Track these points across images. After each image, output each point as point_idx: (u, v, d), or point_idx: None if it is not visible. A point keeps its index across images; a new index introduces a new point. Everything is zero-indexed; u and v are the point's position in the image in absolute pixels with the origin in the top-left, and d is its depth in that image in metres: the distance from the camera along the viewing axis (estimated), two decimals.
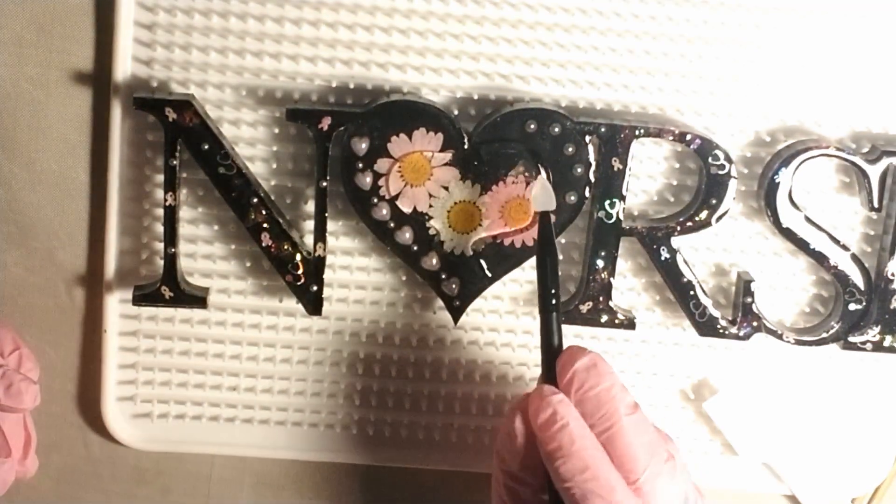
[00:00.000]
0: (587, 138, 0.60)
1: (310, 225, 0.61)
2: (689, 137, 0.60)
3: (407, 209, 0.60)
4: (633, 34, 0.60)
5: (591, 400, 0.53)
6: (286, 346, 0.65)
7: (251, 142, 0.61)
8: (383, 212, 0.60)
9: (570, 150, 0.59)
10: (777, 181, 0.60)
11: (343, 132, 0.59)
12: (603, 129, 0.59)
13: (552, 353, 0.56)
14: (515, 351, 0.65)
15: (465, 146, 0.59)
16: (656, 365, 0.66)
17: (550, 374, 0.56)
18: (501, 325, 0.65)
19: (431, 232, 0.61)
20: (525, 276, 0.64)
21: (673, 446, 0.56)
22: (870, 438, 0.67)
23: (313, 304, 0.61)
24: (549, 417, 0.53)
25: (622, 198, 0.60)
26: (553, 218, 0.57)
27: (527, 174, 0.59)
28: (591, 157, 0.60)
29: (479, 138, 0.59)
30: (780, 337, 0.63)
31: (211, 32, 0.60)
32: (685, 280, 0.62)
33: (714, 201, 0.60)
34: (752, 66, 0.61)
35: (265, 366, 0.65)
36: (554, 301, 0.56)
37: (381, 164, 0.59)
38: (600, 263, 0.61)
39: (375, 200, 0.60)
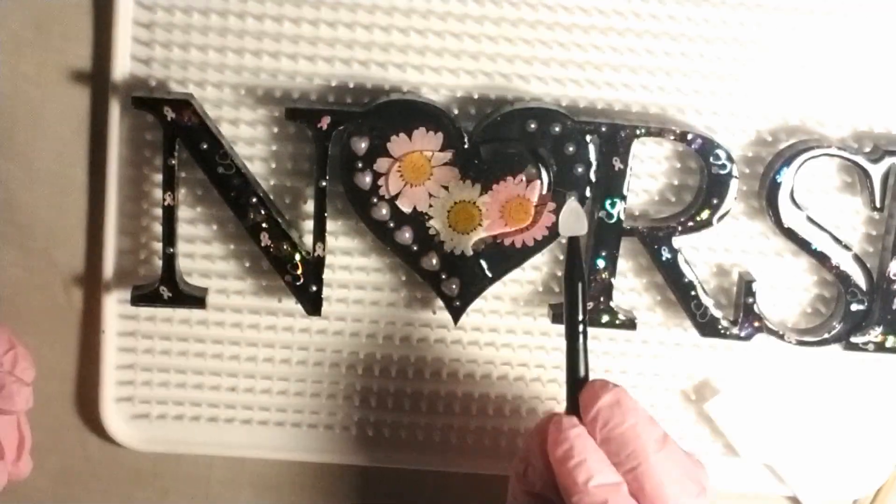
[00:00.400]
0: (588, 138, 0.59)
1: (309, 225, 0.61)
2: (690, 137, 0.60)
3: (407, 209, 0.60)
4: (635, 33, 0.60)
5: (616, 439, 0.52)
6: (285, 346, 0.65)
7: (250, 141, 0.61)
8: (383, 211, 0.60)
9: (571, 149, 0.59)
10: (779, 181, 0.60)
11: (342, 131, 0.59)
12: (604, 129, 0.59)
13: (577, 382, 0.55)
14: (516, 351, 0.65)
15: (466, 146, 0.59)
16: (657, 366, 0.65)
17: (573, 403, 0.55)
18: (502, 325, 0.65)
19: (431, 232, 0.60)
20: (525, 276, 0.63)
21: (704, 474, 0.55)
22: (872, 440, 0.66)
23: (312, 305, 0.61)
24: (566, 452, 0.52)
25: (623, 197, 0.60)
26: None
27: (532, 172, 0.59)
28: (592, 157, 0.60)
29: (480, 138, 0.59)
30: (781, 337, 0.62)
31: (210, 31, 0.60)
32: (686, 280, 0.61)
33: (715, 201, 0.60)
34: (753, 65, 0.61)
35: (264, 366, 0.65)
36: (581, 328, 0.55)
37: (381, 164, 0.59)
38: (601, 263, 0.61)
39: (375, 200, 0.60)
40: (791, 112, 0.61)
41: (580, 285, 0.56)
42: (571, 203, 0.57)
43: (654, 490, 0.51)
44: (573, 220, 0.57)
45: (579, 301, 0.55)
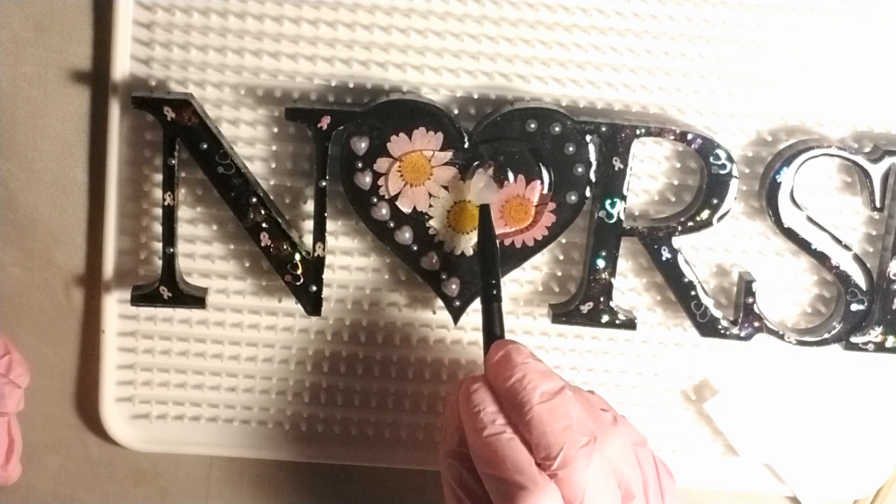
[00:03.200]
0: (588, 138, 0.59)
1: (309, 225, 0.61)
2: (690, 137, 0.60)
3: (407, 209, 0.60)
4: (634, 33, 0.60)
5: (506, 392, 0.54)
6: (285, 346, 0.65)
7: (250, 141, 0.61)
8: (383, 211, 0.60)
9: (571, 149, 0.59)
10: (778, 181, 0.60)
11: (342, 131, 0.59)
12: (604, 129, 0.59)
13: (492, 342, 0.57)
14: None
15: (466, 145, 0.59)
16: (657, 365, 0.65)
17: None
18: None
19: (431, 232, 0.60)
20: (525, 276, 0.63)
21: (611, 430, 0.55)
22: (872, 439, 0.66)
23: (312, 305, 0.61)
24: (467, 406, 0.54)
25: (623, 197, 0.60)
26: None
27: (532, 172, 0.59)
28: (592, 157, 0.60)
29: (480, 138, 0.59)
30: (781, 337, 0.62)
31: (210, 31, 0.60)
32: (686, 280, 0.61)
33: (715, 201, 0.60)
34: (753, 65, 0.61)
35: (264, 366, 0.65)
36: (495, 291, 0.58)
37: (381, 164, 0.59)
38: (601, 263, 0.61)
39: (375, 200, 0.60)
40: (791, 112, 0.61)
41: (493, 252, 0.58)
42: (481, 173, 0.59)
43: (537, 439, 0.52)
44: (484, 188, 0.59)
45: (493, 266, 0.58)
